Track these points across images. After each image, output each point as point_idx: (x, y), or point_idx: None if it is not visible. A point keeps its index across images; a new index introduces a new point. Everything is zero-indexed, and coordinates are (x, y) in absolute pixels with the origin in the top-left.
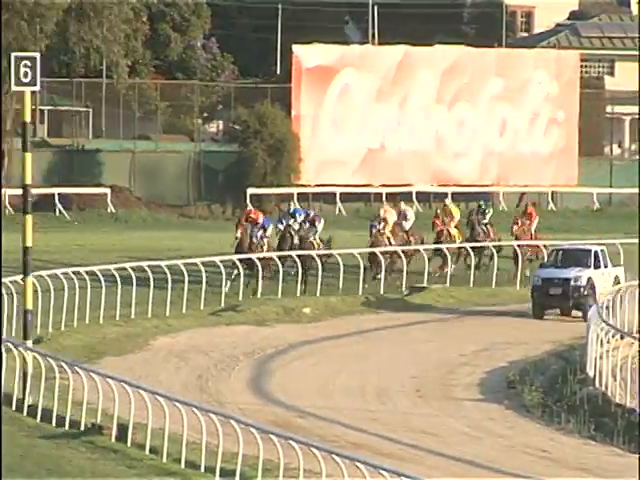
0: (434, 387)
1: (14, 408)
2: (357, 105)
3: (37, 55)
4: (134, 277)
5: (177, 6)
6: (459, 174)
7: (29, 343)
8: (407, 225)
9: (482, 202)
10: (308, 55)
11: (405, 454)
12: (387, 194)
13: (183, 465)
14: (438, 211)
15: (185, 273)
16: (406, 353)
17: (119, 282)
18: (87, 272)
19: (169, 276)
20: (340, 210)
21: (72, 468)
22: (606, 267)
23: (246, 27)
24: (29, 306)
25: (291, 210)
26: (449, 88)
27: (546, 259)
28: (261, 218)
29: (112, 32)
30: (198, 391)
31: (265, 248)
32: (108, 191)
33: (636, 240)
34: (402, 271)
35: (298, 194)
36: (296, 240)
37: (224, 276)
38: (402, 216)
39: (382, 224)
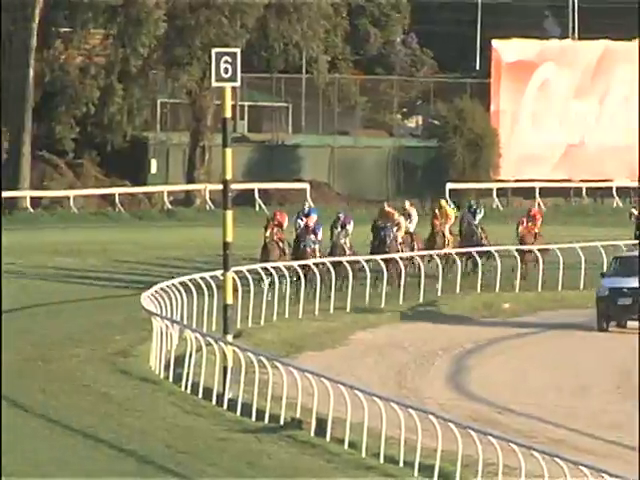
0: (635, 383)
1: (214, 402)
2: (557, 100)
3: (237, 51)
4: (333, 271)
5: (377, 2)
6: None
7: (229, 337)
8: (411, 227)
9: (472, 201)
10: (507, 50)
11: (605, 450)
12: (587, 189)
13: (382, 460)
14: (436, 211)
15: (384, 268)
16: (606, 349)
17: (318, 277)
18: (286, 267)
19: (368, 271)
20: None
21: (272, 462)
22: None
23: (446, 22)
24: (229, 301)
25: (306, 210)
26: None
27: (605, 268)
28: (286, 221)
29: (312, 28)
30: (397, 386)
31: (318, 254)
32: (307, 186)
33: None
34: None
35: (497, 189)
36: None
37: (422, 271)
38: (405, 217)
39: (395, 228)
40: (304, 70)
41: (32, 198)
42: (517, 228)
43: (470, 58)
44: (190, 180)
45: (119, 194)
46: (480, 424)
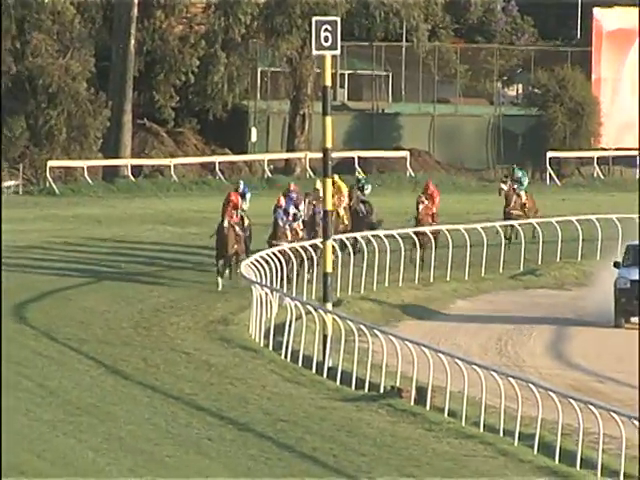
0: None
1: (314, 371)
2: None
3: (338, 19)
4: (433, 240)
5: None
6: None
7: (329, 306)
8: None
9: (360, 176)
10: (608, 18)
11: None
12: None
13: (482, 429)
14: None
15: (484, 237)
16: None
17: (417, 246)
18: (386, 235)
19: (467, 240)
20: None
21: (372, 430)
22: None
23: None
24: (329, 269)
25: (241, 189)
26: None
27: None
28: (242, 201)
29: None
30: (497, 354)
31: (300, 233)
32: (407, 154)
33: None
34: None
35: (598, 158)
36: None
37: (523, 240)
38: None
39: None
40: (404, 38)
41: (133, 166)
42: (417, 207)
43: (570, 26)
44: (290, 148)
45: (219, 162)
46: (581, 393)
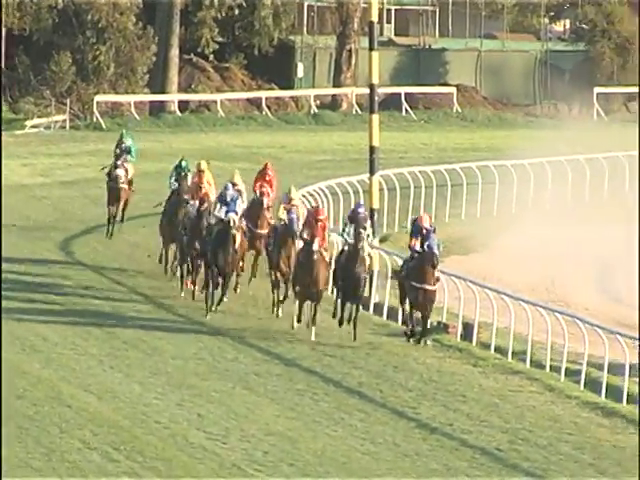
0: None
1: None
2: None
3: None
4: (479, 176)
5: None
6: None
7: (375, 242)
8: None
9: (183, 160)
10: None
11: None
12: None
13: (528, 364)
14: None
15: (531, 173)
16: None
17: (464, 181)
18: (433, 171)
19: (514, 175)
20: None
21: (418, 366)
22: None
23: None
24: (375, 205)
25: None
26: None
27: None
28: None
29: None
30: (544, 291)
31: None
32: (454, 90)
33: None
34: None
35: None
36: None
37: (570, 177)
38: None
39: None
40: None
41: (180, 102)
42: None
43: None
44: (337, 84)
45: (266, 98)
46: (627, 329)
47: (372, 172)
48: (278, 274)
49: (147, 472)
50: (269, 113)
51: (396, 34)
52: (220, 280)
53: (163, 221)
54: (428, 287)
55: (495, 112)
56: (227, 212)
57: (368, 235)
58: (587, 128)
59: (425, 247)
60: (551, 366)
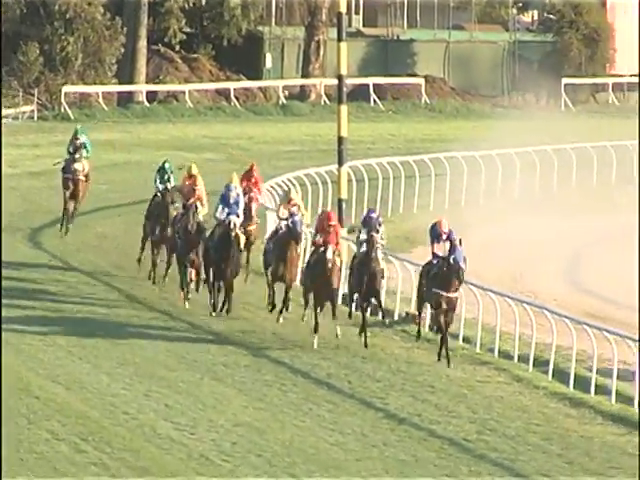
0: None
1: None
2: None
3: None
4: (448, 167)
5: None
6: None
7: (343, 232)
8: None
9: (166, 162)
10: None
11: None
12: None
13: (496, 355)
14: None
15: (499, 164)
16: None
17: (432, 172)
18: (401, 162)
19: (482, 166)
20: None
21: (386, 356)
22: None
23: None
24: (343, 195)
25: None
26: None
27: None
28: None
29: None
30: (512, 282)
31: None
32: (422, 81)
33: None
34: None
35: (613, 84)
36: None
37: (538, 167)
38: None
39: None
40: None
41: (148, 92)
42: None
43: None
44: (305, 74)
45: (234, 88)
46: (595, 319)
47: (340, 163)
48: (272, 276)
49: (115, 463)
50: (237, 104)
51: (364, 25)
52: (222, 284)
53: (148, 223)
54: (452, 295)
55: (463, 103)
56: (229, 214)
57: (382, 238)
58: (555, 119)
59: (451, 259)
60: (519, 356)
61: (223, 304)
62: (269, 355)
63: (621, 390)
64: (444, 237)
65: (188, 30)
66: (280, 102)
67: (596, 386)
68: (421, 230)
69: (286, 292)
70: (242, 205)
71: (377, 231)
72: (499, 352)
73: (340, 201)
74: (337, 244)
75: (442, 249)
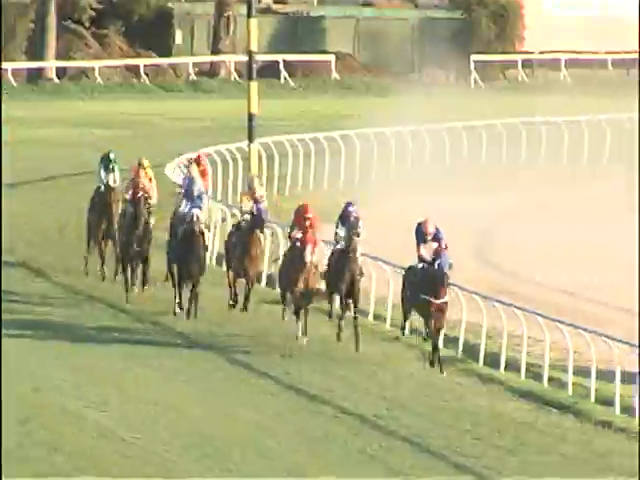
0: None
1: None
2: None
3: None
4: (358, 143)
5: None
6: None
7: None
8: None
9: (111, 152)
10: None
11: (626, 321)
12: (612, 60)
13: (407, 332)
14: None
15: (409, 141)
16: None
17: (342, 149)
18: (311, 139)
19: (393, 143)
20: (565, 77)
21: (294, 334)
22: None
23: None
24: (254, 172)
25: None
26: None
27: None
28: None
29: None
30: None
31: None
32: (332, 58)
33: None
34: None
35: (522, 61)
36: None
37: (447, 145)
38: None
39: None
40: None
41: (57, 69)
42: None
43: None
44: (215, 51)
45: (144, 65)
46: (505, 296)
47: (251, 139)
48: (233, 272)
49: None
50: (147, 80)
51: (275, 2)
52: (189, 283)
53: (91, 217)
54: (441, 301)
55: (373, 79)
56: (191, 208)
57: (358, 234)
58: (464, 95)
59: (436, 265)
60: (427, 334)
61: (195, 309)
62: (188, 336)
63: (530, 366)
64: (429, 238)
65: (98, 6)
66: (190, 79)
67: (506, 363)
68: (332, 206)
69: (248, 287)
70: (206, 200)
71: (357, 234)
72: (410, 330)
73: (251, 178)
74: (315, 243)
75: (429, 250)
